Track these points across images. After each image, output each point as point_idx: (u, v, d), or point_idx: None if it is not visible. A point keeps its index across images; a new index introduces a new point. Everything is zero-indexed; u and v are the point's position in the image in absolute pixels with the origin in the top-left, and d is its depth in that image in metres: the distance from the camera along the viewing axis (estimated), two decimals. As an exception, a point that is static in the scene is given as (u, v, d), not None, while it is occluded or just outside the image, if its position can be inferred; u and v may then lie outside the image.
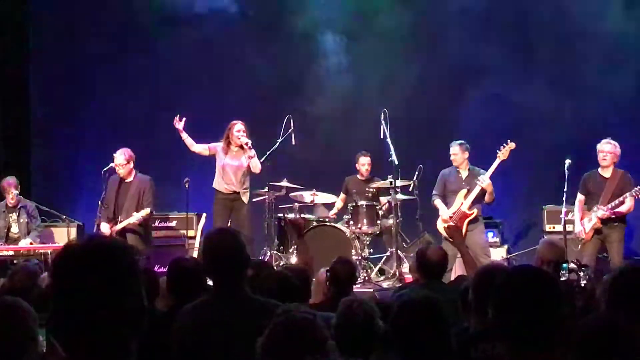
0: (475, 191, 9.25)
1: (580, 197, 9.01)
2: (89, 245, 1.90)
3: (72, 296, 1.83)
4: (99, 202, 9.56)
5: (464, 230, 9.26)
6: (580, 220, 8.89)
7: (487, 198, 9.30)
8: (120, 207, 9.47)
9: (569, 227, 9.17)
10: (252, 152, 9.36)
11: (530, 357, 2.26)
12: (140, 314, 1.88)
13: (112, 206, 9.49)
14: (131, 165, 9.49)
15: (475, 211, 9.25)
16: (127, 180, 9.52)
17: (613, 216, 8.65)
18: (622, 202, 8.61)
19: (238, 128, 9.42)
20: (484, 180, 9.19)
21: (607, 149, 8.81)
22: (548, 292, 2.31)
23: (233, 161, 9.48)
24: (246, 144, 9.32)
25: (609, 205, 8.63)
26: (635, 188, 8.62)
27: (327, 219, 10.16)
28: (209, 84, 11.78)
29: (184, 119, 9.41)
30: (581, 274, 5.26)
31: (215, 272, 3.65)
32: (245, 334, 2.94)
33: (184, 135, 9.48)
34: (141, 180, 9.52)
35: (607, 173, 8.85)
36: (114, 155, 9.47)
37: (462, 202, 9.30)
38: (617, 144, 8.87)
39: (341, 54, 11.62)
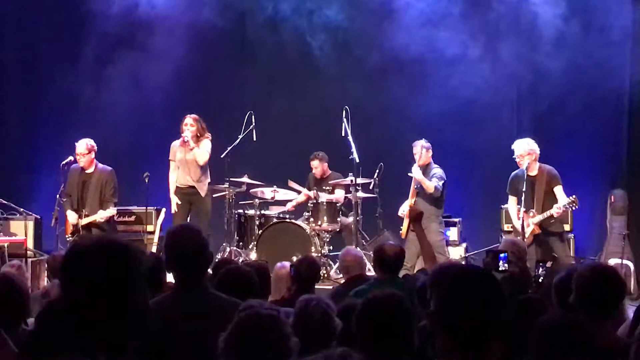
0: (413, 183, 9.33)
1: (511, 198, 8.94)
2: (97, 245, 1.92)
3: (83, 295, 1.86)
4: (57, 196, 9.44)
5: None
6: (517, 219, 8.76)
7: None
8: (84, 200, 9.35)
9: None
10: (195, 144, 9.38)
11: (466, 355, 2.26)
12: (144, 313, 1.92)
13: (75, 197, 9.37)
14: (92, 155, 9.36)
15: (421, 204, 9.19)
16: (87, 171, 9.39)
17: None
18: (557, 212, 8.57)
19: (185, 122, 9.49)
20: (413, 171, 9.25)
21: (520, 152, 8.70)
22: (490, 294, 2.31)
23: (187, 155, 9.50)
24: (184, 137, 9.39)
25: (543, 215, 8.61)
26: (569, 199, 8.54)
27: (286, 214, 10.17)
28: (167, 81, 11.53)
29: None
30: (540, 269, 5.35)
31: (177, 268, 3.63)
32: (207, 330, 2.93)
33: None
34: (102, 172, 9.37)
35: (533, 171, 8.77)
36: (76, 144, 9.36)
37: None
38: (530, 141, 8.76)
39: (302, 50, 11.50)
